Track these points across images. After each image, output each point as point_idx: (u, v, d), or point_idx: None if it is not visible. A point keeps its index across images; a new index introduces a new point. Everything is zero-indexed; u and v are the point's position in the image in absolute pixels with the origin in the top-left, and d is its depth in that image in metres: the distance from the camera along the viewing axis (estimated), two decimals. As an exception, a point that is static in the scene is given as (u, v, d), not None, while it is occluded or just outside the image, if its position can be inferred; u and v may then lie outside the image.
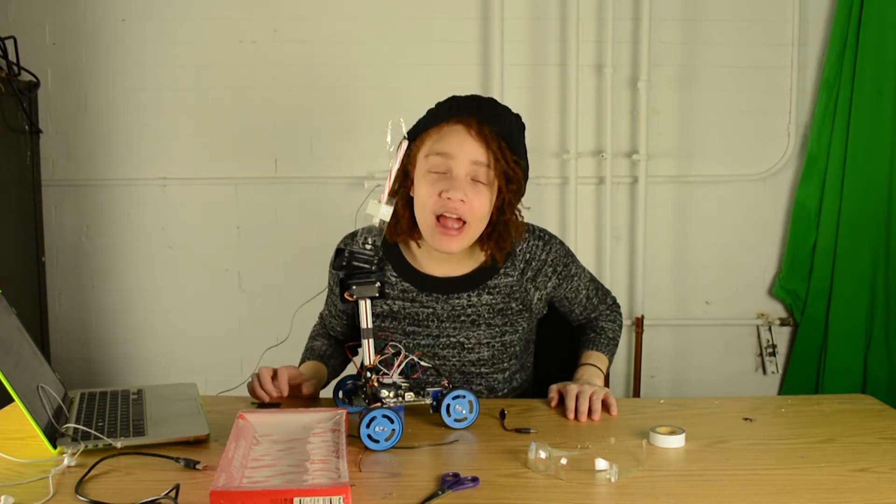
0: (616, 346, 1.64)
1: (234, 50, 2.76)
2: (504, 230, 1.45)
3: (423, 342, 1.49)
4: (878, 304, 2.71)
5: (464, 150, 1.38)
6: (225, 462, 1.01)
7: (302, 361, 1.60)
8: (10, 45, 2.59)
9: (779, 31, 2.74)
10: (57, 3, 2.74)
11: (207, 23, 2.74)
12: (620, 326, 1.68)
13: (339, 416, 1.22)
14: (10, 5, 2.73)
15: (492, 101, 1.45)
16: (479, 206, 1.39)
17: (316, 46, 2.76)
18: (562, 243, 1.55)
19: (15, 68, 2.61)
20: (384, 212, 1.23)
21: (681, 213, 2.84)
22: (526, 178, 1.46)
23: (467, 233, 1.40)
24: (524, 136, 1.47)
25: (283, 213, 2.83)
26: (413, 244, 1.50)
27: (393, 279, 1.50)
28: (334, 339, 1.66)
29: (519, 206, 1.46)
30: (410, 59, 2.75)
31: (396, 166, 1.26)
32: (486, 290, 1.49)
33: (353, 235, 1.54)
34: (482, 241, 1.46)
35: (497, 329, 1.49)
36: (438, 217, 1.39)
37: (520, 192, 1.45)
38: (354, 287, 1.22)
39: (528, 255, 1.51)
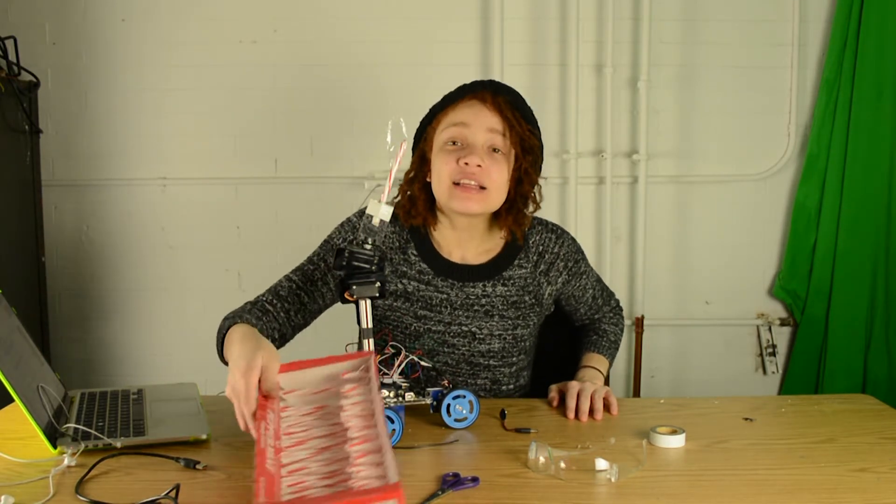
0: (617, 349, 1.65)
1: (234, 50, 2.75)
2: (523, 204, 1.46)
3: (433, 328, 1.47)
4: (878, 304, 2.71)
5: (479, 118, 1.40)
6: (260, 458, 0.95)
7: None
8: (10, 45, 2.59)
9: (779, 31, 2.74)
10: (57, 3, 2.73)
11: (207, 23, 2.74)
12: (622, 330, 1.68)
13: (366, 363, 1.13)
14: (10, 5, 2.72)
15: (504, 84, 1.48)
16: (496, 173, 1.39)
17: (316, 46, 2.75)
18: (573, 239, 1.56)
19: (15, 68, 2.61)
20: (384, 212, 1.22)
21: (681, 213, 2.84)
22: (541, 153, 1.48)
23: (487, 197, 1.40)
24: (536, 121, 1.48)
25: (283, 213, 2.83)
26: (430, 228, 1.49)
27: (413, 258, 1.49)
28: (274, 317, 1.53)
29: (539, 181, 1.47)
30: (410, 59, 2.75)
31: (396, 167, 1.25)
32: (501, 282, 1.49)
33: (359, 214, 1.51)
34: (500, 217, 1.46)
35: (510, 322, 1.49)
36: (456, 184, 1.39)
37: (536, 164, 1.46)
38: (354, 287, 1.21)
39: (540, 248, 1.51)
